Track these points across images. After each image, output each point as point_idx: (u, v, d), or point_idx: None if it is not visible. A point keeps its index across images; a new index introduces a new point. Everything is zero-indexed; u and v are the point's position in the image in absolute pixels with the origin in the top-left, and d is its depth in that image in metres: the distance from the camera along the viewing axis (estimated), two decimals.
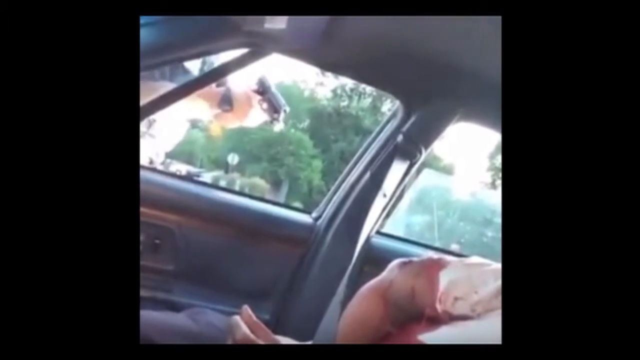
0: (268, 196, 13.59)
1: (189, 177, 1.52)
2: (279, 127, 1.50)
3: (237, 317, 0.80)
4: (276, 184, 15.94)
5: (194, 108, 1.52)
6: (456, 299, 0.78)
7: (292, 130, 16.85)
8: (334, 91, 18.26)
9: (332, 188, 1.59)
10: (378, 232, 1.62)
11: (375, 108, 17.30)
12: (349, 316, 0.91)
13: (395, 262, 0.90)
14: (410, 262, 0.88)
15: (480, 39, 1.04)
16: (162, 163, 1.74)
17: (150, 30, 1.22)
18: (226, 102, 1.48)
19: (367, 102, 17.73)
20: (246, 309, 0.81)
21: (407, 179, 1.55)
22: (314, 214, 1.57)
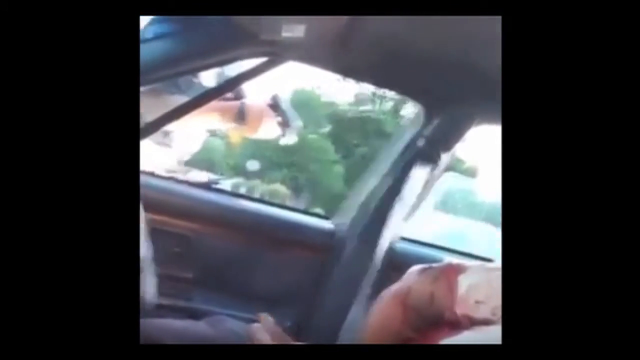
0: (289, 202, 13.63)
1: (207, 185, 1.54)
2: (288, 140, 1.54)
3: (257, 325, 0.81)
4: (297, 190, 15.98)
5: (210, 121, 1.57)
6: (477, 302, 0.79)
7: (313, 136, 16.89)
8: (354, 96, 18.26)
9: (353, 194, 1.59)
10: (401, 238, 1.61)
11: (396, 112, 17.23)
12: (370, 322, 0.91)
13: (414, 268, 0.91)
14: (429, 267, 0.88)
15: (499, 42, 1.02)
16: (184, 172, 1.76)
17: (167, 41, 1.23)
18: (240, 117, 1.53)
19: (388, 106, 17.67)
20: (266, 316, 0.81)
21: (429, 183, 1.53)
22: (335, 220, 1.56)
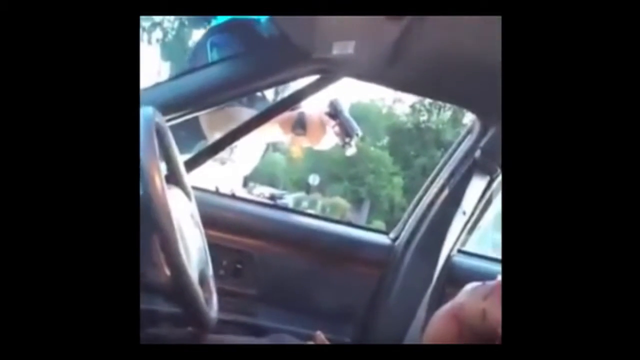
0: (350, 215, 13.61)
1: (271, 200, 1.56)
2: (351, 151, 1.49)
3: (310, 343, 0.82)
4: (357, 203, 15.94)
5: (269, 133, 1.56)
6: None
7: (372, 149, 16.86)
8: (412, 106, 18.07)
9: (410, 207, 1.57)
10: (460, 251, 1.57)
11: (456, 120, 16.88)
12: (426, 338, 0.91)
13: (468, 286, 0.90)
14: (482, 285, 0.87)
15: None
16: (245, 186, 1.78)
17: (228, 65, 1.28)
18: (300, 126, 1.51)
19: (447, 115, 17.37)
20: (319, 334, 0.83)
21: (488, 194, 1.50)
22: (392, 235, 1.55)
